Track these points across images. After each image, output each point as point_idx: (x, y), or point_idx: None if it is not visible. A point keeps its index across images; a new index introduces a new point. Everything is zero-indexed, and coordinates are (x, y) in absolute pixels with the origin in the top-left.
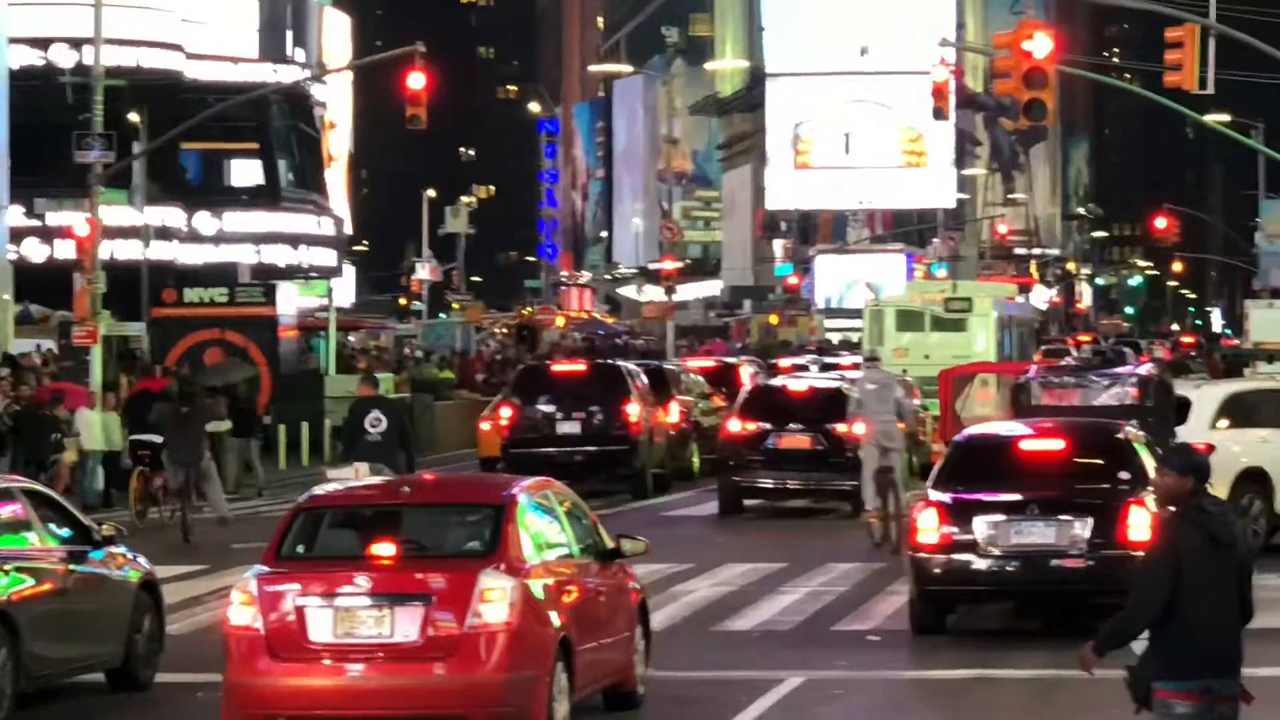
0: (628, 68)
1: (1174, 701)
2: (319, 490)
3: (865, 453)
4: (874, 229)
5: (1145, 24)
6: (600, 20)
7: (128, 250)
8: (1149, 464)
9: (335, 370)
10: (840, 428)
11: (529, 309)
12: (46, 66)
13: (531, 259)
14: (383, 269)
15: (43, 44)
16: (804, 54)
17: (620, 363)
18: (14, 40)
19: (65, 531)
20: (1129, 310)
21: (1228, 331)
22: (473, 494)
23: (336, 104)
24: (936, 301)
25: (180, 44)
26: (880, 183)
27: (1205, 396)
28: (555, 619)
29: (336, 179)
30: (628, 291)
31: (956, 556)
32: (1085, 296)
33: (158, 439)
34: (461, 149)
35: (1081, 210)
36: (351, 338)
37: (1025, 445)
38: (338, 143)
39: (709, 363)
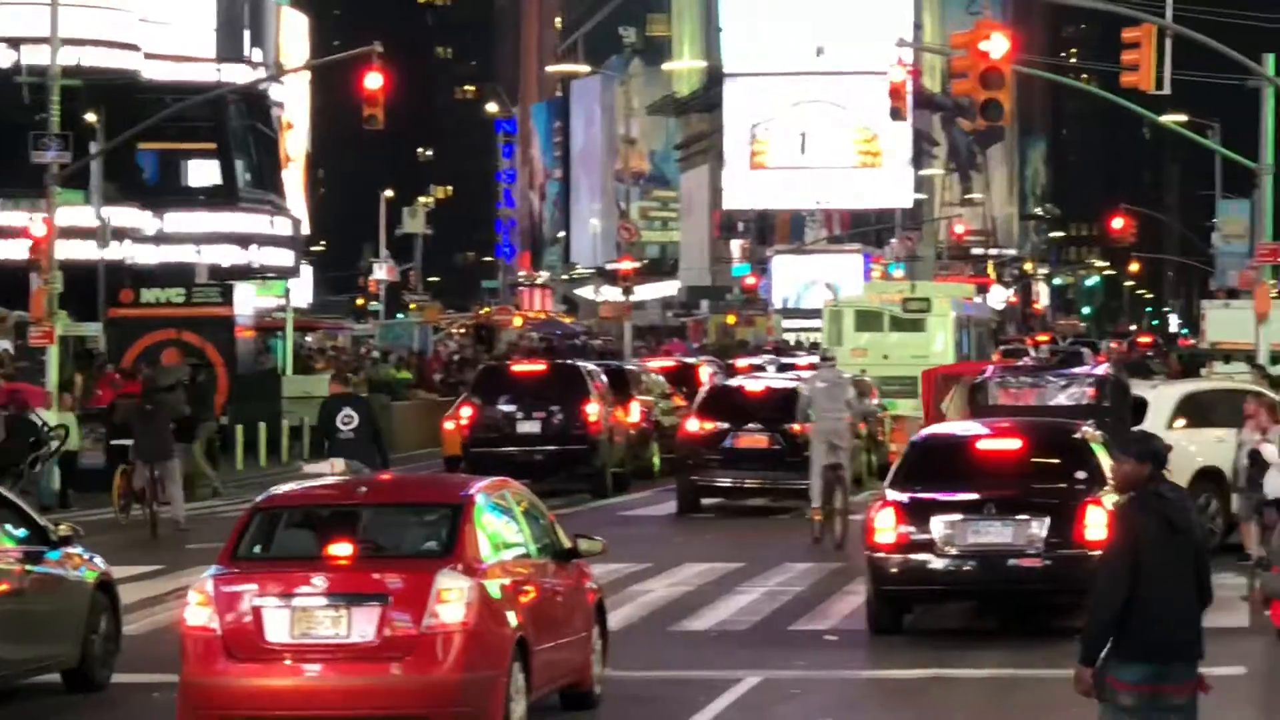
0: (585, 68)
1: (1119, 691)
2: (276, 490)
3: (813, 450)
4: (831, 229)
5: (1102, 24)
6: (558, 20)
7: (84, 250)
8: (1106, 464)
9: (292, 371)
10: (797, 427)
11: (486, 309)
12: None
13: (489, 259)
14: (340, 269)
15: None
16: (761, 54)
17: (580, 363)
18: None
19: (21, 532)
20: (1086, 310)
21: (1185, 331)
22: (430, 494)
23: (294, 104)
24: (895, 302)
25: (137, 44)
26: (836, 183)
27: (1162, 396)
28: (512, 619)
29: (294, 179)
30: (585, 292)
31: (914, 556)
32: (1042, 296)
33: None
34: (419, 149)
35: (1039, 210)
36: (309, 338)
37: (982, 445)
38: (295, 143)
39: (669, 363)
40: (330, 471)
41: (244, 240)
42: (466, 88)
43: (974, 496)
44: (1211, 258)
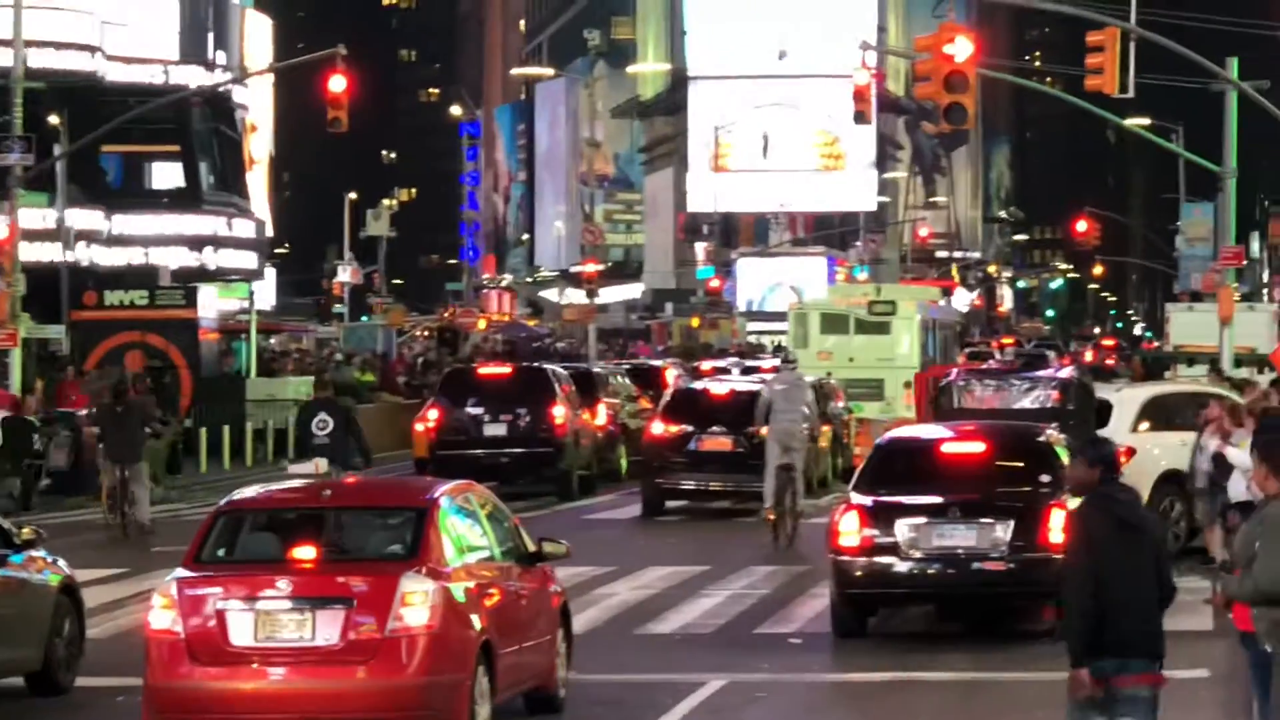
0: (549, 70)
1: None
2: (240, 494)
3: (768, 451)
4: (795, 232)
5: (1066, 28)
6: (522, 23)
7: (48, 253)
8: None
9: (256, 373)
10: (756, 429)
11: (451, 312)
12: None
13: (453, 262)
14: (304, 272)
15: None
16: (726, 57)
17: (547, 365)
18: None
19: None
20: (1049, 313)
21: (1149, 335)
22: (394, 497)
23: (258, 106)
24: (860, 305)
25: (100, 46)
26: (798, 186)
27: (1126, 399)
28: (477, 622)
29: (258, 181)
30: (549, 294)
31: (878, 559)
32: (1006, 299)
33: None
34: (383, 152)
35: (1003, 213)
36: (273, 341)
37: (947, 448)
38: (259, 145)
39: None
40: (315, 472)
41: (207, 243)
42: (430, 90)
43: (938, 500)
44: (1175, 261)
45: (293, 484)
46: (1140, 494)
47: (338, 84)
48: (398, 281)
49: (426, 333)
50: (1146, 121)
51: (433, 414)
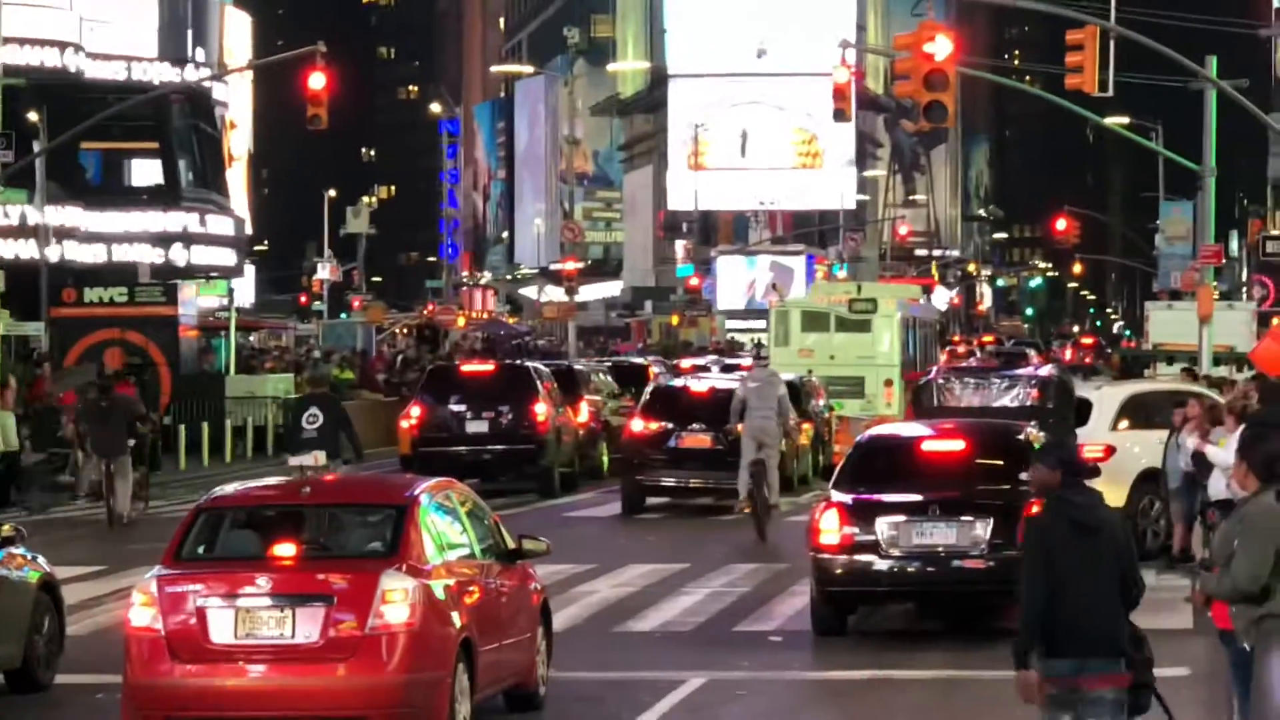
0: (529, 68)
1: (1047, 685)
2: (220, 491)
3: (743, 447)
4: (775, 230)
5: (1046, 26)
6: (501, 21)
7: (26, 249)
8: None
9: (235, 370)
10: (731, 427)
11: (430, 309)
12: None
13: (432, 259)
14: (283, 269)
15: None
16: (705, 55)
17: (529, 363)
18: None
19: None
20: (1029, 311)
21: (1128, 333)
22: (374, 495)
23: (237, 104)
24: (841, 303)
25: (80, 43)
26: (776, 184)
27: (1105, 398)
28: (457, 620)
29: (237, 179)
30: (529, 292)
31: (858, 557)
32: (986, 298)
33: (129, 441)
34: (362, 149)
35: (982, 212)
36: (252, 338)
37: (927, 446)
38: (238, 142)
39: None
40: (315, 464)
41: (187, 239)
42: (410, 88)
43: (918, 498)
44: (1154, 259)
45: (272, 481)
46: (1103, 495)
47: (317, 81)
48: (377, 279)
49: (406, 330)
50: (1126, 120)
51: (415, 411)
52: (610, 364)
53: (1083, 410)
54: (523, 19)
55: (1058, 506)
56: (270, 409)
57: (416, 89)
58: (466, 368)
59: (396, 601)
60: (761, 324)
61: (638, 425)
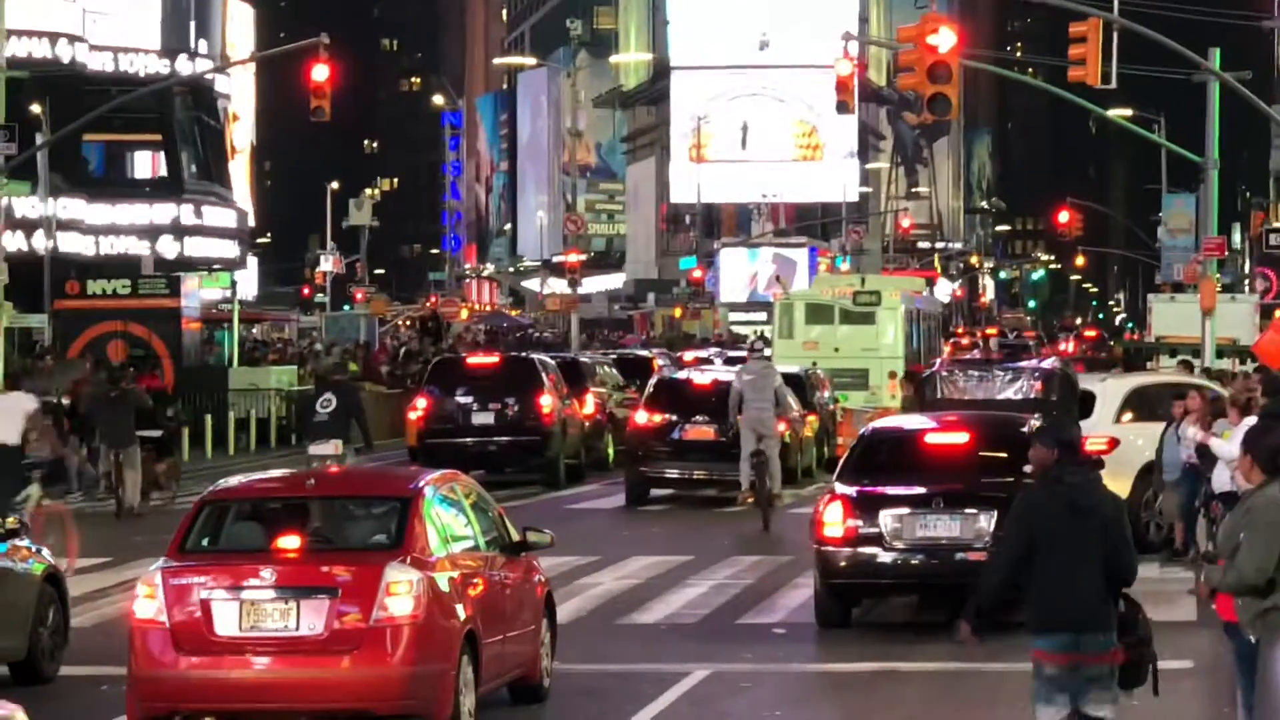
0: (531, 60)
1: (1043, 663)
2: (224, 483)
3: (743, 437)
4: (778, 222)
5: (1049, 18)
6: (504, 12)
7: (30, 242)
8: None
9: (239, 363)
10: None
11: (433, 301)
12: None
13: (435, 251)
14: (286, 261)
15: None
16: (708, 47)
17: (534, 355)
18: None
19: None
20: (1031, 304)
21: (1130, 326)
22: (378, 487)
23: (240, 96)
24: (845, 295)
25: (82, 35)
26: (776, 176)
27: (1109, 390)
28: (461, 612)
29: (240, 171)
30: (531, 284)
31: (862, 550)
32: (988, 290)
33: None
34: (365, 141)
35: (984, 204)
36: (255, 330)
37: (930, 438)
38: (241, 135)
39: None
40: (334, 452)
41: (190, 232)
42: (412, 80)
43: (922, 490)
44: (1157, 252)
45: (276, 473)
46: (1100, 479)
47: (320, 73)
48: (380, 271)
49: (409, 322)
50: (1128, 112)
51: (422, 403)
52: (615, 356)
53: (1086, 403)
54: (525, 10)
55: (1052, 485)
56: (273, 401)
57: (419, 81)
58: (472, 360)
59: (401, 594)
60: (763, 316)
61: (642, 417)
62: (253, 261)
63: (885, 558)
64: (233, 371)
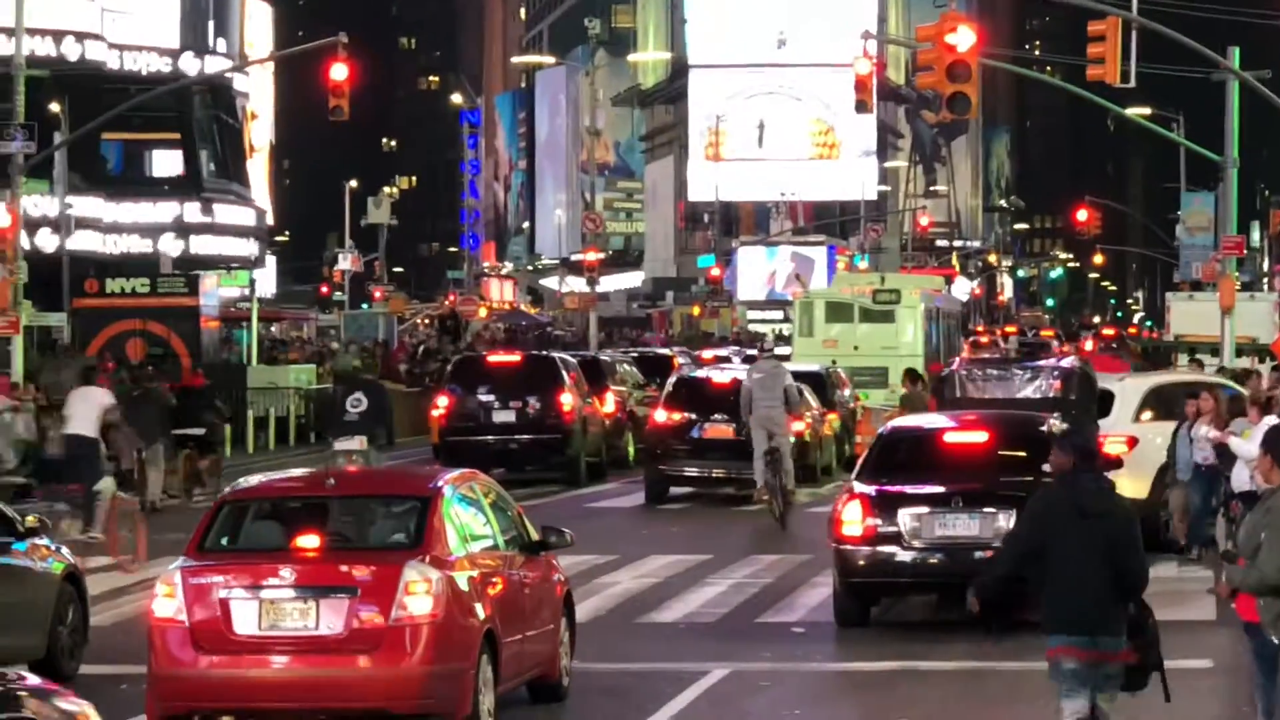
0: (550, 59)
1: (1062, 658)
2: (243, 482)
3: (755, 436)
4: (796, 221)
5: (1067, 17)
6: (522, 11)
7: (48, 240)
8: None
9: (258, 361)
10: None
11: (451, 299)
12: None
13: (454, 250)
14: (305, 259)
15: None
16: (726, 46)
17: (555, 353)
18: None
19: None
20: (1050, 302)
21: (1149, 324)
22: (398, 486)
23: (258, 94)
24: (865, 294)
25: (101, 33)
26: (792, 175)
27: (1128, 389)
28: (480, 611)
29: (258, 169)
30: (550, 282)
31: (881, 549)
32: (1006, 288)
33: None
34: (383, 139)
35: (1003, 202)
36: (273, 328)
37: (949, 438)
38: (260, 133)
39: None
40: (360, 448)
41: (209, 230)
42: (431, 78)
43: (941, 489)
44: (1175, 250)
45: (296, 472)
46: (1115, 485)
47: (339, 72)
48: (398, 269)
49: (427, 320)
50: (1147, 111)
51: (443, 401)
52: (635, 354)
53: (1105, 402)
54: (543, 9)
55: (1063, 487)
56: (292, 399)
57: (437, 79)
58: (494, 358)
59: (420, 593)
60: (781, 314)
61: (661, 416)
62: (271, 260)
63: (904, 556)
64: (252, 370)
